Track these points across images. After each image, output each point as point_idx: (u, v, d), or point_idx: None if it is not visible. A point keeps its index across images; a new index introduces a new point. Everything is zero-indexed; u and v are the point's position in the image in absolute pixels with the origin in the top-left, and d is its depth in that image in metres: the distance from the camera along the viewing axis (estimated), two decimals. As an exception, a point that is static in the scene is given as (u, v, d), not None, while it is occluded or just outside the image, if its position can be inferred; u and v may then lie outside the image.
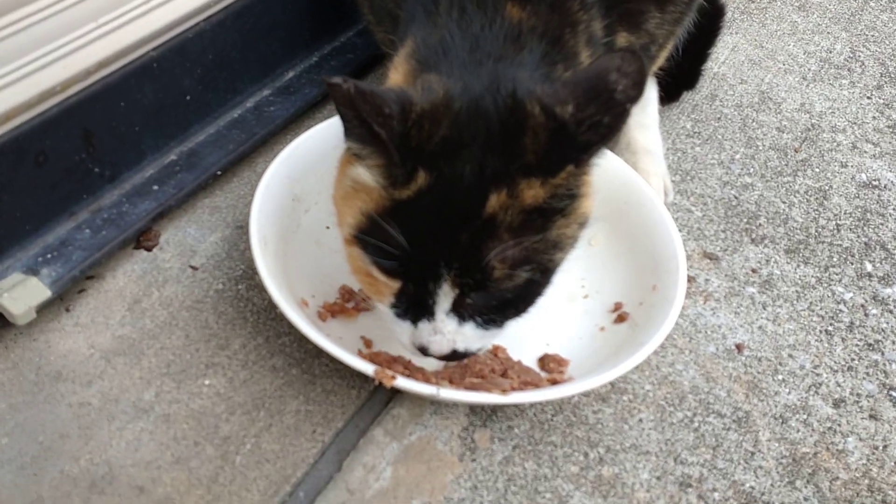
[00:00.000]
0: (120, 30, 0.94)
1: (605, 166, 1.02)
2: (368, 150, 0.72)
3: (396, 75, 0.82)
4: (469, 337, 0.77)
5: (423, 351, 0.78)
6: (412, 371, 0.83)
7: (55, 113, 0.90)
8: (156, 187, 1.01)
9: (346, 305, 0.93)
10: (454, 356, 0.78)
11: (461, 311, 0.75)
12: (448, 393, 0.79)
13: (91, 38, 0.91)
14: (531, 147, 0.71)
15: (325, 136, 1.03)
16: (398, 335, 0.80)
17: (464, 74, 0.76)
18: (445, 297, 0.74)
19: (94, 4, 0.90)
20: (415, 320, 0.77)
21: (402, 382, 0.78)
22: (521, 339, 0.92)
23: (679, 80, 1.23)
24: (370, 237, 0.74)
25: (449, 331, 0.76)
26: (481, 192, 0.71)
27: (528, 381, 0.85)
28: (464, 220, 0.71)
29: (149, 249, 0.98)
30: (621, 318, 0.92)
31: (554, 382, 0.85)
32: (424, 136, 0.71)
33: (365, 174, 0.74)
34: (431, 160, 0.71)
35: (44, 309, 0.88)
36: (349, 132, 0.73)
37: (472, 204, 0.71)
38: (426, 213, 0.71)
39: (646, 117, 1.14)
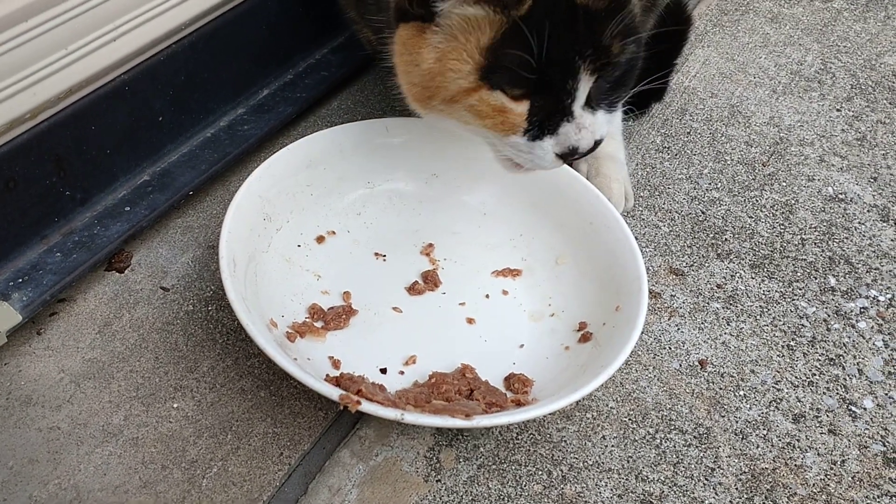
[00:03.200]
0: (90, 56, 0.95)
1: (571, 187, 1.05)
2: None
3: None
4: (601, 123, 0.85)
5: (573, 152, 0.84)
6: (375, 393, 0.84)
7: (25, 139, 0.91)
8: (128, 208, 1.03)
9: (314, 325, 0.94)
10: (594, 147, 0.85)
11: (590, 102, 0.83)
12: (412, 417, 0.80)
13: (61, 66, 0.92)
14: None
15: (296, 155, 1.04)
16: (539, 159, 0.86)
17: None
18: (584, 88, 0.81)
19: (63, 33, 0.91)
20: (553, 130, 0.83)
21: (368, 407, 0.80)
22: (489, 358, 0.94)
23: (647, 91, 1.24)
24: (505, 56, 0.79)
25: (589, 122, 0.83)
26: None
27: (493, 402, 0.87)
28: (572, 13, 0.78)
29: (121, 271, 0.99)
30: (585, 338, 0.94)
31: (518, 403, 0.87)
32: None
33: (475, 11, 0.79)
34: None
35: (15, 333, 0.89)
36: None
37: None
38: (546, 15, 0.77)
39: (609, 126, 1.16)
